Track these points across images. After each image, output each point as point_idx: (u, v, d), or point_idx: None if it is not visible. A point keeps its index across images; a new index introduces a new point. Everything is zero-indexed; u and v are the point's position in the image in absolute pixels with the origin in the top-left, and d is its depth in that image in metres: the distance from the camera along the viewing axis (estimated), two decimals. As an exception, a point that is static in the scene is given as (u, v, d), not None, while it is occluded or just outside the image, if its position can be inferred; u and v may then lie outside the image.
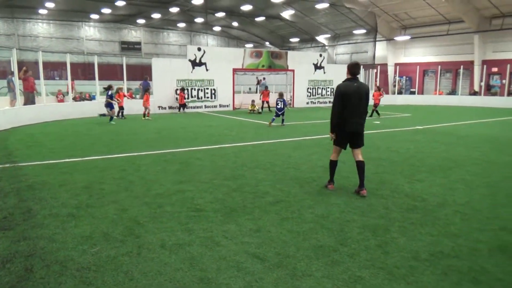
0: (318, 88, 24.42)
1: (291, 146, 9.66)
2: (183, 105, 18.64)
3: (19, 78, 14.09)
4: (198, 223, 4.35)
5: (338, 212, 4.75)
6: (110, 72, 25.41)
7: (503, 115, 18.83)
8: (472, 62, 28.23)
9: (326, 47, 40.67)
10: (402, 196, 5.46)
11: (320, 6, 31.61)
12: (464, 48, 29.00)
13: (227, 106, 20.87)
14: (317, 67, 24.06)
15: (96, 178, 6.22)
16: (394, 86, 31.32)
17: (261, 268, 3.32)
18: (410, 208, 4.92)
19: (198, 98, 19.91)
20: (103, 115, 14.20)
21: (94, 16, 37.81)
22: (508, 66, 24.89)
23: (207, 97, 20.23)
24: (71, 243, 3.77)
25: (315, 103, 24.35)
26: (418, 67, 28.45)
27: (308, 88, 23.98)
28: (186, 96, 18.90)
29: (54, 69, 31.50)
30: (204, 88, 20.04)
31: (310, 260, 3.48)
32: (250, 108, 19.54)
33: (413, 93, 30.46)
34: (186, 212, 4.71)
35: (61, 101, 18.83)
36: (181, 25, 43.42)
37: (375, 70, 28.43)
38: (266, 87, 20.80)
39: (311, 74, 23.91)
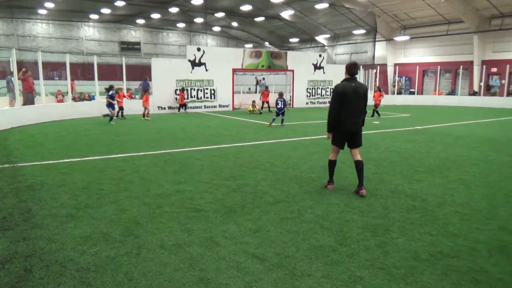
0: (317, 88, 24.43)
1: (290, 146, 9.66)
2: (183, 105, 18.63)
3: (19, 79, 14.09)
4: (197, 223, 4.35)
5: (337, 212, 4.75)
6: (109, 72, 25.40)
7: (503, 115, 18.85)
8: (471, 62, 28.26)
9: (326, 47, 40.70)
10: (402, 196, 5.46)
11: (319, 6, 31.63)
12: (463, 48, 29.03)
13: (227, 106, 20.87)
14: (317, 67, 24.07)
15: (96, 179, 6.22)
16: (394, 86, 31.35)
17: (260, 268, 3.32)
18: (410, 208, 4.93)
19: (197, 98, 19.91)
20: (107, 115, 14.20)
21: (94, 16, 37.82)
22: (508, 66, 24.93)
23: (207, 97, 20.23)
24: (71, 244, 3.77)
25: (314, 103, 24.36)
26: (417, 67, 28.47)
27: (307, 88, 23.99)
28: (185, 96, 18.90)
29: (53, 69, 31.49)
30: (204, 88, 20.04)
31: (310, 260, 3.48)
32: (250, 109, 19.54)
33: (412, 93, 30.48)
34: (186, 212, 4.71)
35: (61, 101, 18.83)
36: (181, 25, 43.43)
37: (374, 71, 28.46)
38: (267, 87, 20.81)
39: (310, 74, 23.91)
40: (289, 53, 23.89)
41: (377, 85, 23.50)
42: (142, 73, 21.34)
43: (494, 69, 27.63)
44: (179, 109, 18.73)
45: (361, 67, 27.36)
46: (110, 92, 14.04)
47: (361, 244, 3.84)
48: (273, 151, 8.89)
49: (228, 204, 5.04)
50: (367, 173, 6.50)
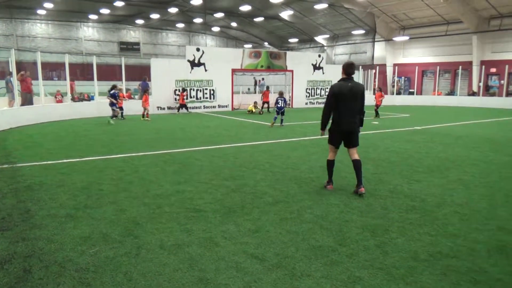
0: (317, 88, 24.44)
1: (290, 146, 9.67)
2: (183, 106, 18.59)
3: (17, 80, 14.08)
4: (197, 223, 4.35)
5: (337, 213, 4.75)
6: (109, 72, 25.40)
7: (502, 116, 18.87)
8: (470, 63, 28.29)
9: (325, 48, 40.71)
10: (401, 196, 5.47)
11: (318, 6, 31.66)
12: (462, 49, 29.06)
13: (226, 106, 20.87)
14: (316, 67, 24.09)
15: (95, 179, 6.21)
16: (393, 86, 31.37)
17: (260, 269, 3.32)
18: (409, 209, 4.93)
19: (197, 98, 19.90)
20: (114, 116, 14.18)
21: (93, 17, 37.81)
22: (507, 66, 24.97)
23: (206, 98, 20.23)
24: (70, 244, 3.76)
25: (314, 103, 24.37)
26: (416, 67, 28.50)
27: (307, 88, 24.00)
28: (185, 97, 18.88)
29: (52, 70, 31.47)
30: (203, 89, 20.03)
31: (309, 260, 3.48)
32: (249, 109, 19.52)
33: (411, 93, 30.51)
34: (185, 212, 4.71)
35: (60, 101, 18.80)
36: (180, 25, 43.44)
37: (373, 71, 28.48)
38: (267, 87, 20.83)
39: (310, 75, 23.93)
40: (289, 53, 23.91)
41: (378, 85, 23.50)
42: (141, 74, 21.33)
43: (493, 70, 27.66)
44: (178, 109, 18.70)
45: (360, 67, 27.43)
46: (112, 91, 14.03)
47: (361, 244, 3.85)
48: (272, 151, 8.89)
49: (228, 204, 5.04)
50: (366, 173, 6.50)
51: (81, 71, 31.53)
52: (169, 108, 19.05)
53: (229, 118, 16.95)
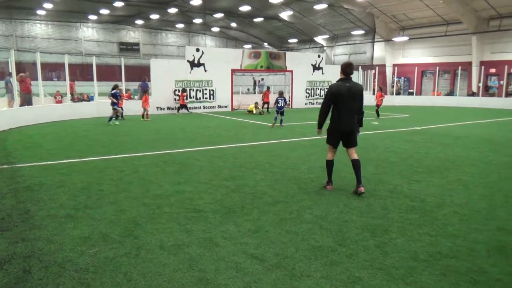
0: (316, 88, 24.44)
1: (289, 146, 9.67)
2: (184, 106, 18.57)
3: (16, 81, 14.07)
4: (196, 224, 4.35)
5: (336, 213, 4.76)
6: (108, 73, 25.40)
7: (501, 116, 18.88)
8: (470, 63, 28.31)
9: (325, 48, 40.73)
10: (401, 196, 5.47)
11: (318, 7, 31.67)
12: (462, 49, 29.08)
13: (226, 106, 20.87)
14: (316, 67, 24.10)
15: (95, 179, 6.21)
16: (393, 87, 31.39)
17: (260, 269, 3.32)
18: (409, 209, 4.93)
19: (196, 99, 19.90)
20: (120, 117, 14.17)
21: (92, 17, 37.82)
22: (506, 67, 24.98)
23: (206, 98, 20.23)
24: (70, 244, 3.76)
25: (313, 103, 24.37)
26: (416, 68, 28.50)
27: (306, 89, 24.01)
28: (185, 97, 18.87)
29: (52, 70, 31.47)
30: (203, 89, 20.03)
31: (309, 261, 3.48)
32: (249, 109, 19.51)
33: (411, 94, 30.52)
34: (185, 213, 4.71)
35: (59, 102, 18.79)
36: (180, 26, 43.45)
37: (373, 71, 28.49)
38: (268, 88, 20.83)
39: (309, 75, 23.94)
40: (288, 53, 23.92)
41: (378, 85, 23.52)
42: (141, 74, 21.34)
43: (492, 70, 27.68)
44: (178, 109, 18.70)
45: (359, 67, 27.44)
46: (114, 91, 14.03)
47: (360, 244, 3.85)
48: (272, 151, 8.89)
49: (227, 204, 5.04)
50: (366, 173, 6.51)
51: (81, 72, 31.53)
52: (168, 108, 19.05)
53: (228, 118, 16.96)
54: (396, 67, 29.92)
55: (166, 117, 17.35)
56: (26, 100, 15.23)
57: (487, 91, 28.17)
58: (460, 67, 27.39)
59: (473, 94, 27.82)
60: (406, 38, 32.22)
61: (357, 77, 26.25)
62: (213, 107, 20.45)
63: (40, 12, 34.91)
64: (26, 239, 3.86)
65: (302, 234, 4.10)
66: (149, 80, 18.85)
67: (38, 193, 5.41)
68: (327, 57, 36.52)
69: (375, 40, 34.88)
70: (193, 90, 19.68)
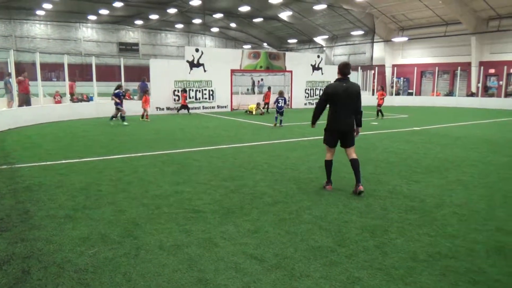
0: (316, 89, 24.45)
1: (289, 147, 9.67)
2: (185, 106, 18.54)
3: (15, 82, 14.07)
4: (196, 224, 4.35)
5: (336, 213, 4.76)
6: (108, 73, 25.40)
7: (500, 116, 18.90)
8: (469, 64, 28.34)
9: (324, 48, 40.75)
10: (400, 197, 5.47)
11: (317, 7, 31.69)
12: (461, 50, 29.10)
13: (225, 107, 20.87)
14: (315, 68, 24.10)
15: (94, 180, 6.21)
16: (392, 87, 31.40)
17: (259, 269, 3.32)
18: (408, 209, 4.93)
19: (196, 99, 19.89)
20: (123, 117, 14.16)
21: (92, 17, 37.80)
22: (505, 67, 25.00)
23: (205, 98, 20.23)
24: (69, 245, 3.76)
25: (313, 104, 24.32)
26: (415, 68, 28.52)
27: (306, 89, 24.02)
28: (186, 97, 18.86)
29: (51, 71, 31.45)
30: (202, 89, 20.03)
31: (308, 261, 3.48)
32: (249, 109, 19.49)
33: (410, 94, 30.53)
34: (184, 213, 4.70)
35: (59, 102, 18.77)
36: (179, 26, 43.45)
37: (372, 72, 28.51)
38: (269, 88, 20.82)
39: (309, 75, 23.94)
40: (288, 54, 23.91)
41: (379, 85, 23.54)
42: (140, 74, 21.31)
43: (491, 70, 27.71)
44: (178, 110, 18.67)
45: (359, 68, 27.46)
46: (117, 91, 14.01)
47: (360, 244, 3.85)
48: (271, 152, 8.89)
49: (227, 205, 5.04)
50: (366, 173, 6.51)
51: (80, 72, 31.50)
52: (168, 108, 19.04)
53: (228, 118, 16.96)
54: (395, 68, 29.94)
55: (165, 117, 17.34)
56: (24, 100, 15.22)
57: (486, 91, 28.20)
58: (459, 68, 27.41)
59: (472, 94, 27.85)
60: (405, 39, 32.25)
61: (356, 77, 26.26)
62: (213, 107, 20.45)
63: (40, 12, 34.90)
64: (25, 240, 3.85)
65: (302, 234, 4.10)
66: (149, 80, 18.85)
67: (37, 194, 5.40)
68: (327, 57, 36.56)
69: (375, 40, 34.91)
70: (192, 90, 19.67)
